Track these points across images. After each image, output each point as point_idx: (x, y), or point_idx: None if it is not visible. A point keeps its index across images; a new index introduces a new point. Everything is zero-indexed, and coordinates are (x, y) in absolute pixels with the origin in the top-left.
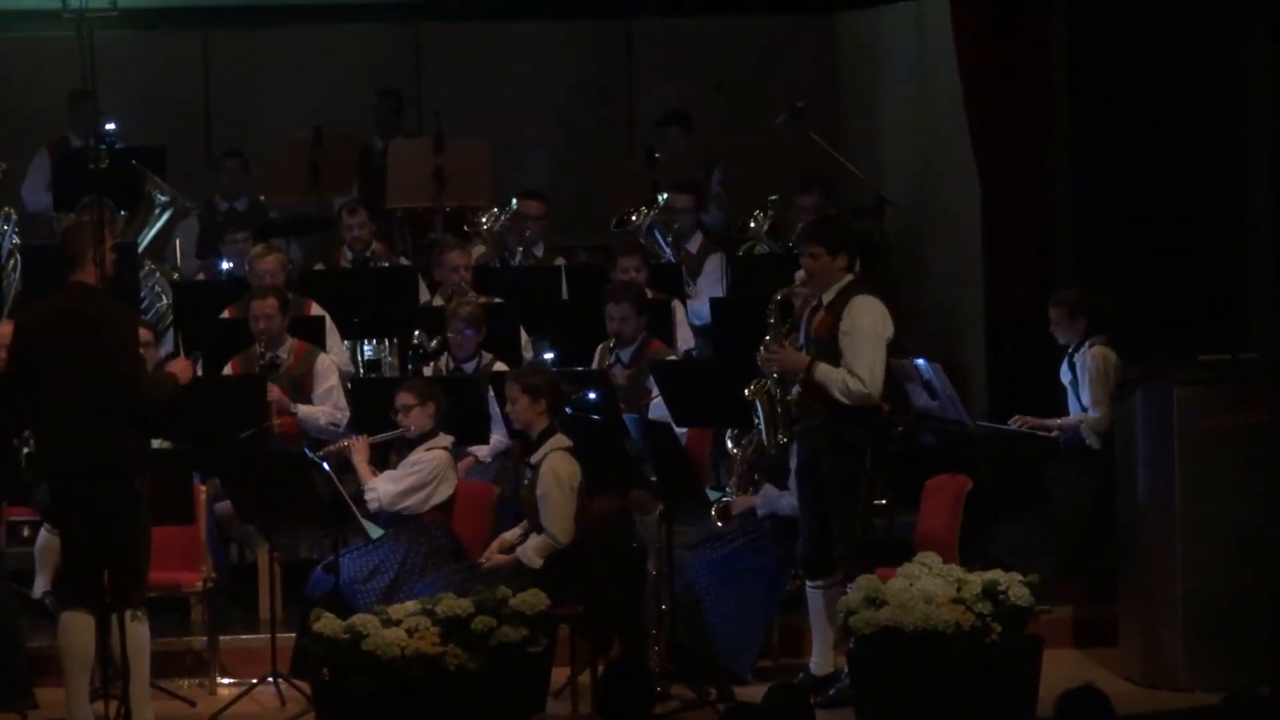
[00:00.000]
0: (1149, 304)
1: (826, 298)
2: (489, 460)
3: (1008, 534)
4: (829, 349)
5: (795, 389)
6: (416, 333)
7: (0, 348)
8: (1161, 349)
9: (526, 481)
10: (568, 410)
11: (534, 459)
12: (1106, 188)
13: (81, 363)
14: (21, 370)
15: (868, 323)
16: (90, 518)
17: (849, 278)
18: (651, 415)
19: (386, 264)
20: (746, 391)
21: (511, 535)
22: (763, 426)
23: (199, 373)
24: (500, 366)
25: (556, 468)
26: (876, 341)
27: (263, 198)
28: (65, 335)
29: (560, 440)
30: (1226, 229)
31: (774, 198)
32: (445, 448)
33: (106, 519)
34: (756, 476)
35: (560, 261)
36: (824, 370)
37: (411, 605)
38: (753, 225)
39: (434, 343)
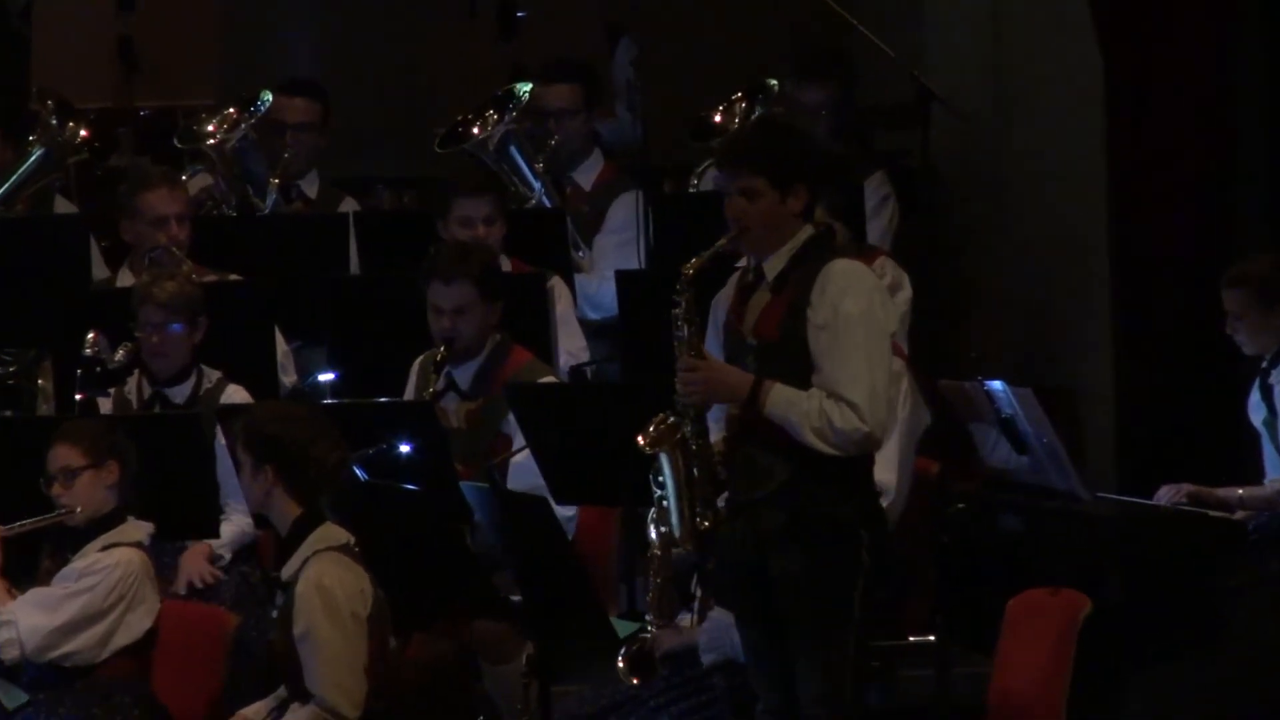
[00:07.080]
0: None
1: (772, 267)
2: (225, 559)
3: (1159, 690)
4: (781, 358)
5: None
6: (90, 336)
7: None
8: None
9: (276, 612)
10: (359, 473)
11: (285, 573)
12: None
13: None
14: None
15: (860, 307)
16: None
17: (809, 231)
18: (512, 483)
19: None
20: (641, 439)
21: (255, 711)
22: (672, 502)
23: None
24: (238, 395)
25: (324, 584)
26: (877, 341)
27: None
28: None
29: (329, 534)
30: None
31: (773, 82)
32: (139, 544)
33: None
34: (699, 594)
35: (349, 207)
36: (783, 397)
37: None
38: (718, 125)
39: (120, 354)
